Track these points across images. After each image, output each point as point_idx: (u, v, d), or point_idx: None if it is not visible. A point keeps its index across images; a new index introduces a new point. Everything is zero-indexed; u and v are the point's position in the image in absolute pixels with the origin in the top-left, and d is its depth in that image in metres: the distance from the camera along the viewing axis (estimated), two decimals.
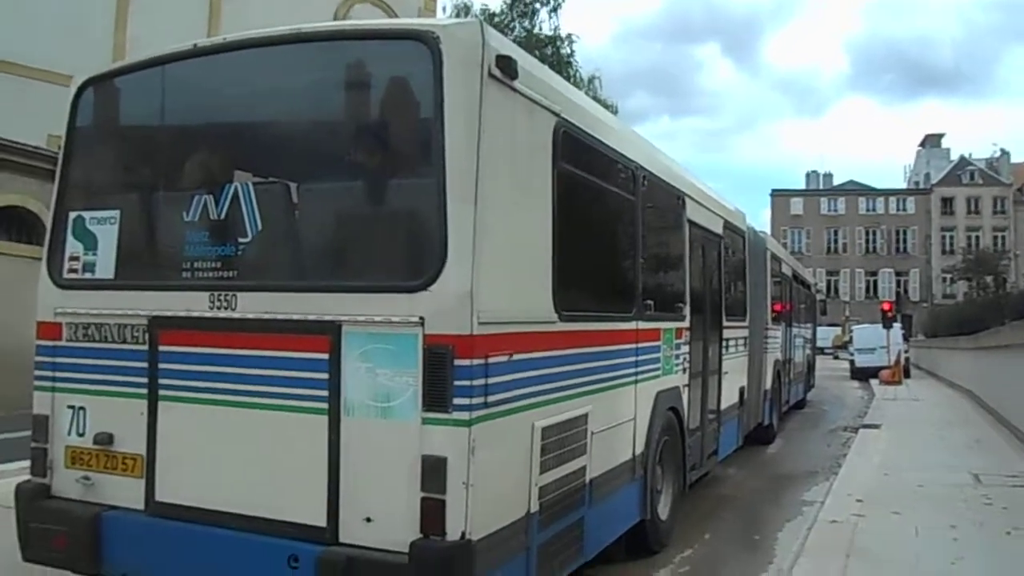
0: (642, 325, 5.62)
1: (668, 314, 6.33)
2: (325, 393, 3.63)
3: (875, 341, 27.89)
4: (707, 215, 7.82)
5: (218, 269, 3.95)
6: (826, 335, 44.58)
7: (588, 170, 4.79)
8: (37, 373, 4.41)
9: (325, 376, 3.63)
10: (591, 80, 49.37)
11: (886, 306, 27.69)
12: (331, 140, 4.11)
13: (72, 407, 4.28)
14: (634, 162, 5.59)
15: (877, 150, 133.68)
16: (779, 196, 73.45)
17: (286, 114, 4.20)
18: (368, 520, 3.54)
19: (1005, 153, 70.29)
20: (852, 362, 31.19)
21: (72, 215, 4.38)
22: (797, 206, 72.57)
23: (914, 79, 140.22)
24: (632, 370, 5.44)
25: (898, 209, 71.26)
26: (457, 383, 3.42)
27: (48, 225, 4.46)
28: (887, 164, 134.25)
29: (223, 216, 3.94)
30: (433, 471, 3.41)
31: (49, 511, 4.22)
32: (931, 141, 75.36)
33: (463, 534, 3.41)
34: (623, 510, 5.38)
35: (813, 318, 20.78)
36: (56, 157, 4.61)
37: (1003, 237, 66.49)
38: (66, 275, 4.37)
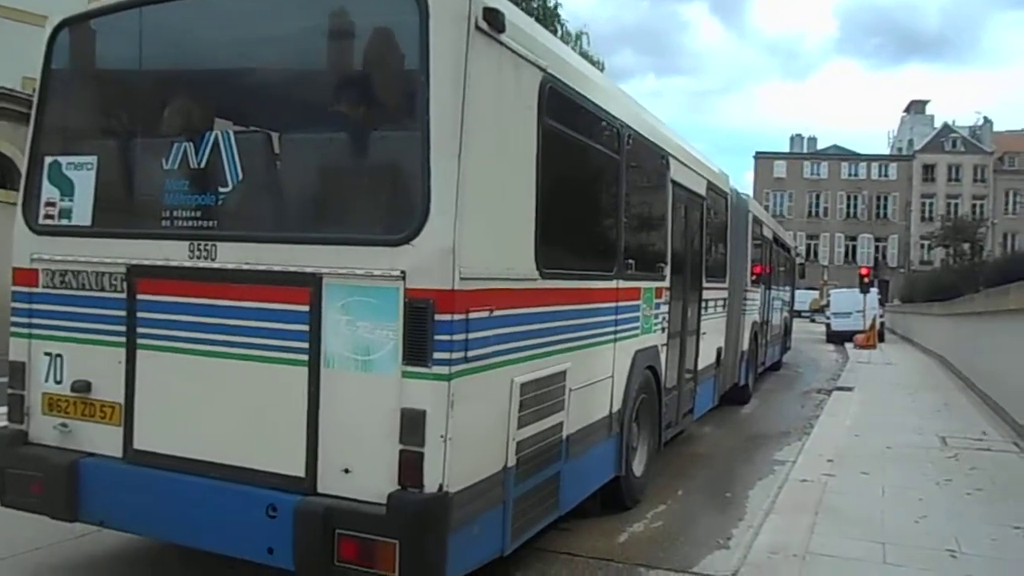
0: (622, 284, 5.64)
1: (648, 274, 6.36)
2: (305, 345, 3.62)
3: (852, 305, 28.34)
4: (691, 176, 7.82)
5: (198, 218, 3.90)
6: (804, 298, 45.12)
7: (573, 127, 4.76)
8: (13, 319, 4.36)
9: (305, 328, 3.62)
10: (578, 36, 48.64)
11: (864, 271, 28.04)
12: (314, 90, 4.05)
13: (49, 354, 4.26)
14: (619, 120, 5.56)
15: (862, 116, 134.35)
16: (763, 159, 73.68)
17: (269, 62, 4.12)
18: (346, 471, 3.57)
19: (988, 121, 71.02)
20: (828, 326, 31.66)
21: (48, 160, 4.29)
22: (780, 169, 72.93)
23: (900, 44, 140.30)
24: (611, 328, 5.48)
25: (880, 175, 71.87)
26: (437, 337, 3.43)
27: (23, 170, 4.38)
28: (871, 130, 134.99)
29: (203, 165, 3.89)
30: (412, 424, 3.43)
31: (26, 457, 4.22)
32: (916, 107, 75.83)
33: (440, 486, 3.45)
34: (599, 466, 5.46)
35: (792, 281, 20.96)
36: (31, 100, 4.50)
37: (982, 205, 67.33)
38: (42, 221, 4.30)
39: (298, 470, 3.65)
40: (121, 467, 4.04)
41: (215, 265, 3.83)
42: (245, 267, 3.76)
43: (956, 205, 66.47)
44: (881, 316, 29.42)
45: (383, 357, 3.49)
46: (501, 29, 3.71)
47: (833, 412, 11.11)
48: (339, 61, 4.01)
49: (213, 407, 3.87)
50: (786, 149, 75.51)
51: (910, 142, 72.47)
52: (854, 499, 6.32)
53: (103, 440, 4.10)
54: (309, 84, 4.08)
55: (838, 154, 73.38)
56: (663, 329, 6.77)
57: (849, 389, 13.79)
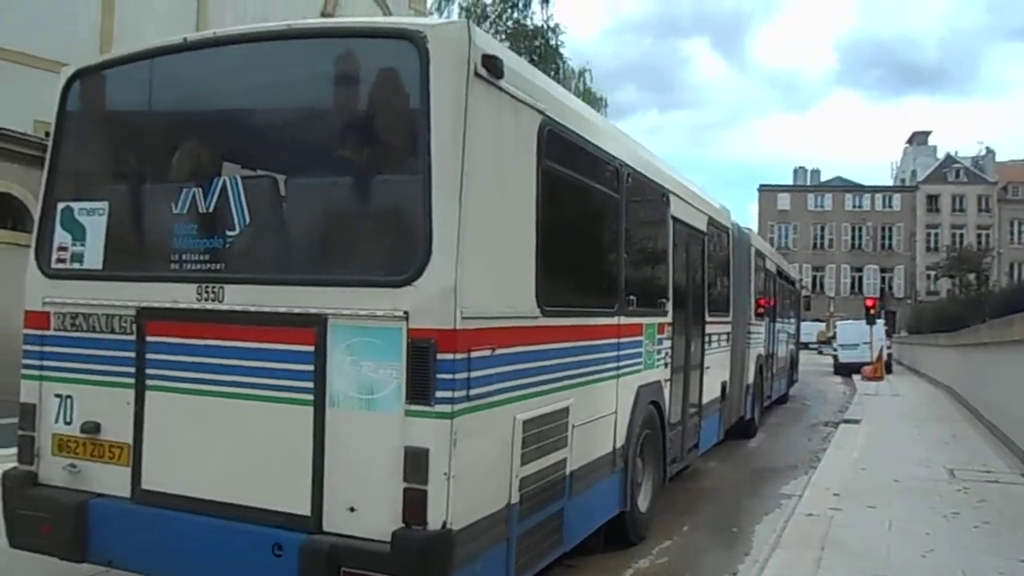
0: (624, 320, 5.71)
1: (650, 309, 6.43)
2: (311, 385, 3.69)
3: (858, 337, 28.26)
4: (691, 212, 7.93)
5: (206, 261, 4.00)
6: (811, 330, 45.09)
7: (572, 167, 4.87)
8: (25, 362, 4.45)
9: (311, 368, 3.69)
10: (581, 73, 49.18)
11: (869, 302, 27.93)
12: (319, 135, 4.16)
13: (59, 396, 4.33)
14: (618, 159, 5.68)
15: (864, 147, 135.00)
16: (766, 191, 74.05)
17: (275, 109, 4.26)
18: (351, 509, 3.62)
19: (990, 152, 71.32)
20: (835, 357, 31.54)
21: (60, 206, 4.41)
22: (784, 202, 73.21)
23: (901, 76, 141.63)
24: (614, 364, 5.53)
25: (884, 206, 72.06)
26: (440, 376, 3.49)
27: (36, 215, 4.49)
28: (874, 162, 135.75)
29: (211, 209, 3.99)
30: (415, 462, 3.48)
31: (36, 498, 4.27)
32: (918, 139, 76.15)
33: (444, 524, 3.49)
34: (603, 502, 5.48)
35: (797, 313, 20.98)
36: (42, 143, 4.64)
37: (987, 235, 67.39)
38: (54, 265, 4.41)
39: (304, 508, 3.69)
40: (129, 507, 4.09)
41: (223, 307, 3.92)
42: (252, 309, 3.84)
43: (961, 235, 66.60)
44: (888, 347, 29.52)
45: (387, 396, 3.56)
46: (500, 75, 3.83)
47: (840, 445, 11.11)
48: (343, 107, 4.13)
49: (220, 447, 3.93)
50: (790, 181, 75.84)
51: (913, 173, 72.73)
52: (860, 533, 6.31)
53: (112, 480, 4.15)
54: (314, 129, 4.20)
55: (842, 186, 73.64)
56: (666, 364, 6.82)
57: (856, 421, 13.78)
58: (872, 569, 5.38)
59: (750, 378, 11.80)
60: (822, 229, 72.25)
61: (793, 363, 19.23)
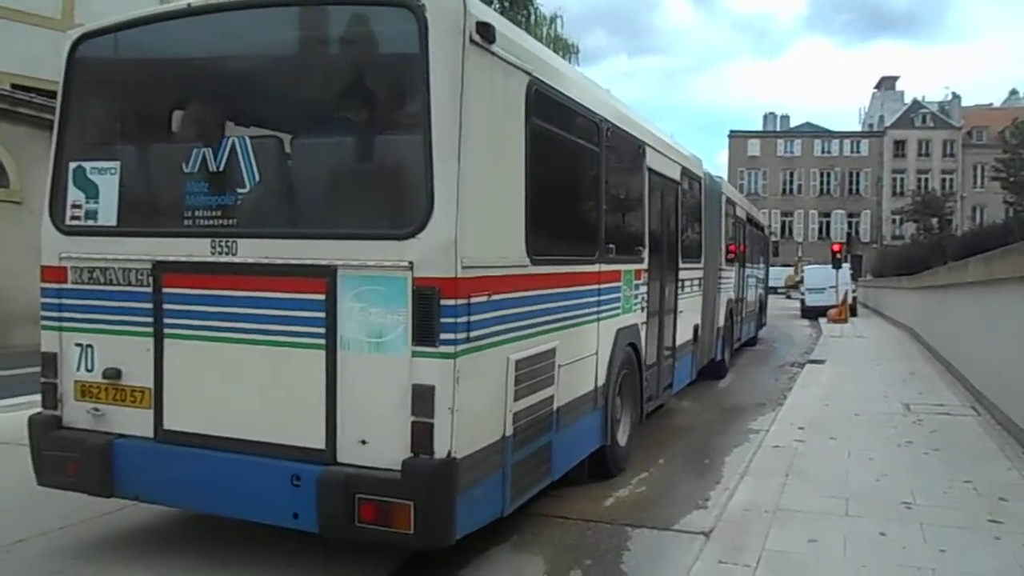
0: (604, 267, 6.09)
1: (628, 257, 6.81)
2: (323, 330, 4.03)
3: (825, 281, 28.86)
4: (665, 162, 8.28)
5: (219, 217, 4.28)
6: (779, 275, 45.75)
7: (557, 124, 5.18)
8: (44, 313, 4.72)
9: (322, 315, 4.02)
10: (552, 19, 48.50)
11: (836, 247, 28.62)
12: (324, 98, 4.44)
13: (80, 345, 4.62)
14: (598, 115, 5.99)
15: (833, 93, 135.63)
16: (736, 137, 74.53)
17: (280, 72, 4.51)
18: (363, 442, 3.99)
19: (956, 97, 72.28)
20: (803, 301, 32.26)
21: (72, 165, 4.64)
22: (754, 147, 73.83)
23: (869, 21, 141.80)
24: (595, 309, 5.92)
25: (852, 151, 72.97)
26: (443, 320, 3.85)
27: (49, 174, 4.72)
28: (843, 107, 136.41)
29: (222, 168, 4.26)
30: (422, 398, 3.85)
31: (62, 440, 4.60)
32: (886, 84, 76.82)
33: (449, 453, 3.88)
34: (586, 436, 5.91)
35: (766, 259, 21.56)
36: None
37: (951, 180, 68.57)
38: (69, 222, 4.66)
39: (319, 443, 4.06)
40: (153, 446, 4.43)
41: (236, 260, 4.22)
42: (265, 261, 4.15)
43: (926, 180, 67.81)
44: (853, 291, 30.07)
45: (394, 339, 3.91)
46: (492, 40, 4.11)
47: (805, 384, 11.61)
48: (347, 72, 4.39)
49: (238, 389, 4.26)
50: (760, 127, 76.44)
51: (881, 118, 73.58)
52: (822, 461, 6.78)
53: (134, 422, 4.48)
54: (319, 93, 4.47)
55: (811, 131, 74.36)
56: (643, 308, 7.23)
57: (821, 362, 14.32)
58: (831, 492, 5.82)
59: (721, 321, 12.33)
60: (791, 175, 73.14)
61: (762, 307, 19.83)
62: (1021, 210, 38.19)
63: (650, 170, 7.53)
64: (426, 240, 3.84)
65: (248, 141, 4.24)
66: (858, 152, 72.74)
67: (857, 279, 37.21)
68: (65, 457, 4.56)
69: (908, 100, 73.70)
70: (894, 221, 66.76)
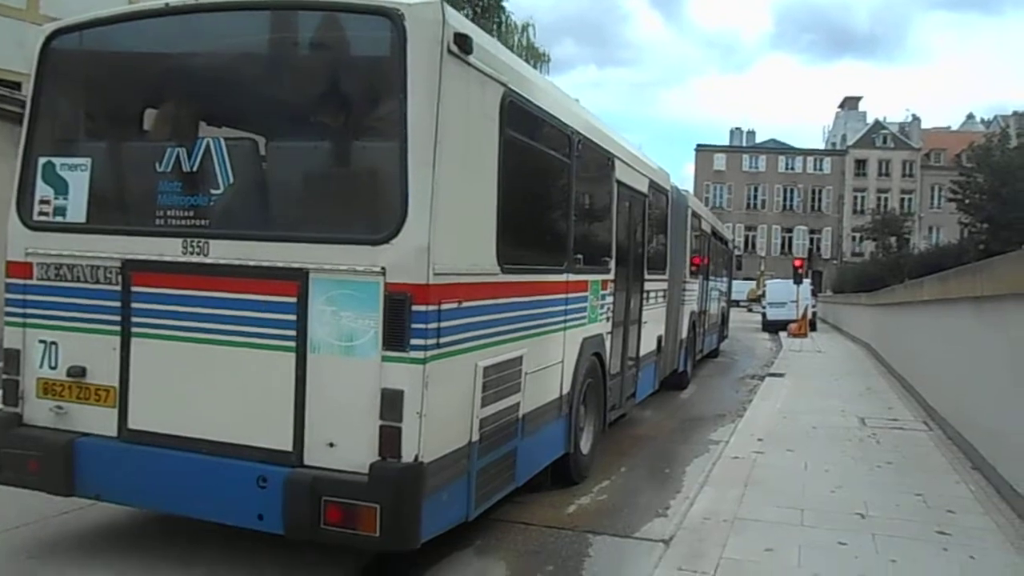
0: (572, 277, 6.18)
1: (595, 267, 6.92)
2: (293, 333, 4.06)
3: (786, 296, 29.32)
4: (634, 175, 8.42)
5: (191, 217, 4.29)
6: (742, 289, 46.33)
7: (529, 135, 5.28)
8: (8, 309, 4.68)
9: (293, 317, 4.06)
10: (524, 27, 48.75)
11: (797, 263, 29.12)
12: (301, 102, 4.48)
13: (44, 341, 4.59)
14: (570, 127, 6.09)
15: (798, 110, 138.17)
16: (703, 151, 75.37)
17: (257, 75, 4.54)
18: (331, 445, 4.02)
19: (916, 119, 73.79)
20: (764, 315, 32.77)
21: (42, 160, 4.62)
22: (720, 162, 74.76)
23: (833, 41, 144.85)
24: (562, 318, 6.01)
25: (815, 169, 74.30)
26: (414, 326, 3.90)
27: (17, 168, 4.68)
28: (807, 124, 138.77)
29: (195, 168, 4.27)
30: (391, 402, 3.90)
31: (22, 437, 4.55)
32: (849, 104, 78.34)
33: (416, 457, 3.93)
34: (550, 443, 5.99)
35: (729, 272, 21.90)
36: None
37: (910, 199, 70.11)
38: (36, 217, 4.62)
39: (286, 445, 4.08)
40: (116, 445, 4.41)
41: (208, 260, 4.23)
42: (236, 262, 4.17)
43: (886, 199, 69.16)
44: (813, 306, 30.54)
45: (364, 343, 3.95)
46: (469, 51, 4.19)
47: (765, 396, 11.83)
48: (324, 77, 4.44)
49: (205, 389, 4.27)
50: (727, 142, 77.40)
51: (843, 137, 74.94)
52: (779, 472, 6.94)
53: (98, 421, 4.46)
54: (296, 97, 4.51)
55: (776, 148, 75.56)
56: (608, 319, 7.34)
57: (781, 375, 14.58)
58: (787, 502, 5.97)
59: (684, 333, 12.51)
60: (755, 190, 74.16)
61: (724, 319, 20.14)
62: (975, 231, 39.24)
63: (619, 182, 7.66)
64: (399, 246, 3.89)
65: (223, 142, 4.26)
66: (821, 170, 74.10)
67: (817, 295, 37.75)
68: (25, 455, 4.52)
69: (870, 120, 75.24)
70: (854, 238, 67.87)
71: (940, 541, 5.22)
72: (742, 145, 76.42)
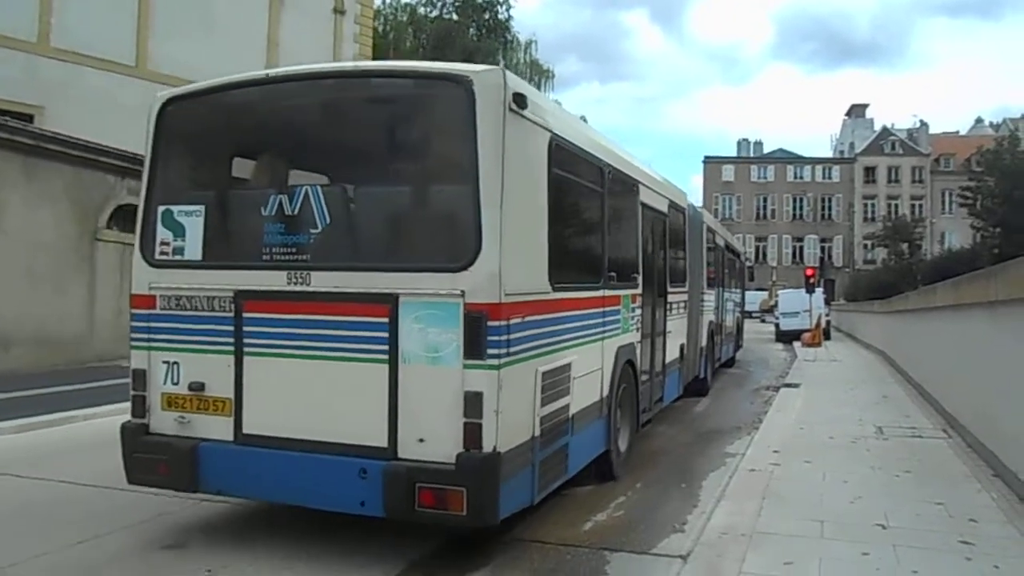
0: (607, 293, 7.05)
1: (626, 283, 7.80)
2: (386, 347, 4.92)
3: (799, 305, 29.58)
4: (655, 197, 9.33)
5: (294, 253, 5.18)
6: (754, 299, 46.27)
7: (570, 172, 6.17)
8: (133, 336, 5.58)
9: (386, 334, 4.92)
10: (528, 45, 50.04)
11: (809, 272, 29.62)
12: (388, 153, 5.41)
13: (167, 362, 5.48)
14: (602, 160, 6.99)
15: (805, 120, 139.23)
16: (711, 163, 76.49)
17: (347, 131, 5.47)
18: (421, 440, 4.87)
19: (924, 124, 74.81)
20: (777, 325, 33.10)
21: (161, 208, 5.53)
22: (728, 173, 75.87)
23: (835, 50, 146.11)
24: (600, 329, 6.87)
25: (824, 177, 75.21)
26: (490, 338, 4.76)
27: (139, 216, 5.59)
28: (815, 133, 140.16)
29: (296, 212, 5.17)
30: (473, 402, 4.75)
31: (151, 444, 5.43)
32: (856, 111, 79.32)
33: (494, 448, 4.77)
34: (594, 441, 6.83)
35: (742, 283, 22.75)
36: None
37: (920, 205, 70.97)
38: (158, 256, 5.53)
39: (382, 442, 4.93)
40: (234, 448, 5.27)
41: (310, 289, 5.11)
42: (335, 290, 5.04)
43: (896, 206, 70.03)
44: (827, 315, 30.93)
45: (448, 354, 4.81)
46: (525, 107, 5.08)
47: (780, 407, 11.95)
48: (406, 132, 5.38)
49: (310, 397, 5.13)
50: (734, 153, 78.59)
51: (851, 145, 75.98)
52: (797, 484, 6.99)
53: (216, 428, 5.33)
54: (382, 149, 5.44)
55: (784, 157, 76.64)
56: (637, 329, 8.21)
57: (796, 385, 14.78)
58: (806, 515, 6.04)
59: (703, 341, 13.40)
60: (764, 200, 75.21)
61: (739, 329, 20.96)
62: (988, 236, 39.43)
63: (643, 204, 8.56)
64: (475, 272, 4.76)
65: (320, 189, 5.16)
66: (830, 178, 75.07)
67: (830, 303, 38.00)
68: (155, 459, 5.39)
69: (878, 127, 76.28)
70: (866, 246, 68.65)
71: (963, 551, 5.21)
72: (750, 156, 77.62)
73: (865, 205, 73.34)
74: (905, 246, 48.77)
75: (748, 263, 28.03)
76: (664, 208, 9.90)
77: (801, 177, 75.44)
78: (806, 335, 26.45)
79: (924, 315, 12.76)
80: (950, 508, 6.24)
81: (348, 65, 5.28)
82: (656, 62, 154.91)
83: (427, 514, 4.80)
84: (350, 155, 5.57)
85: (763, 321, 44.15)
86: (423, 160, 5.22)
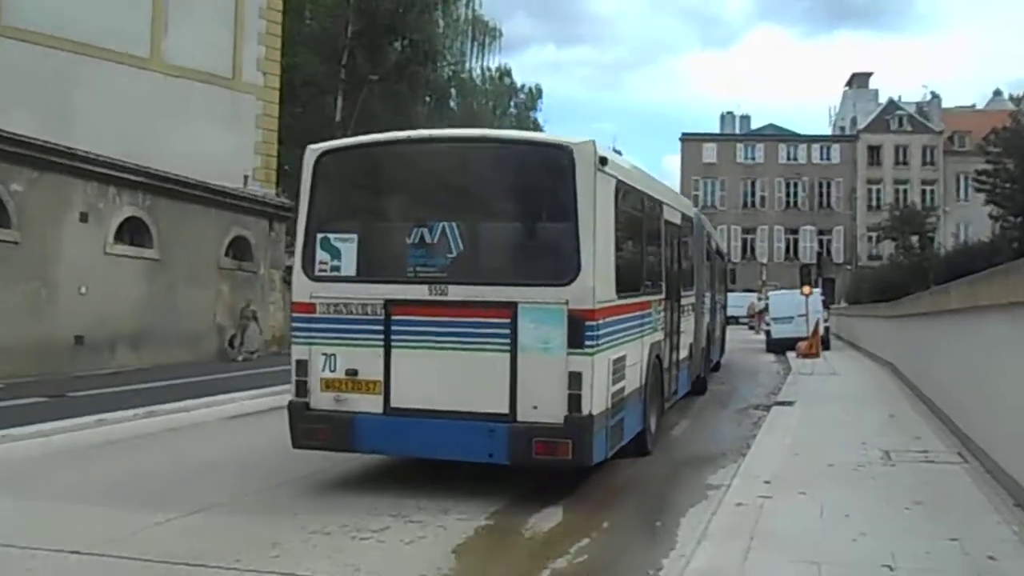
0: (643, 298, 10.97)
1: (654, 289, 11.84)
2: (508, 341, 8.58)
3: (793, 309, 30.53)
4: (673, 212, 13.55)
5: (434, 272, 8.87)
6: (740, 303, 47.87)
7: (625, 205, 10.03)
8: (295, 334, 9.28)
9: (508, 331, 8.59)
10: None
11: (806, 291, 29.42)
12: (507, 199, 9.31)
13: (325, 354, 9.06)
14: (643, 192, 11.04)
15: (799, 90, 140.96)
16: (689, 141, 78.86)
17: (477, 182, 9.36)
18: (535, 407, 8.53)
19: (936, 97, 77.98)
20: (768, 333, 34.16)
21: (319, 235, 9.18)
22: (710, 153, 78.36)
23: (830, 9, 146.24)
24: (640, 328, 10.74)
25: (822, 158, 77.91)
26: (586, 334, 8.48)
27: (299, 241, 9.20)
28: (811, 107, 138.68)
29: (435, 241, 8.87)
30: (575, 379, 8.43)
31: (313, 417, 9.03)
32: (858, 81, 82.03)
33: (589, 412, 8.47)
34: (636, 419, 10.57)
35: (725, 286, 27.11)
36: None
37: (932, 191, 73.71)
38: (317, 272, 9.17)
39: (504, 409, 8.59)
40: (383, 418, 8.90)
41: (447, 298, 8.78)
42: (468, 299, 8.72)
43: (905, 191, 72.71)
44: (825, 321, 32.40)
45: (556, 346, 8.50)
46: (605, 164, 8.89)
47: (771, 430, 12.89)
48: (522, 183, 9.26)
49: (447, 379, 8.78)
50: (716, 129, 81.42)
51: (853, 120, 78.76)
52: (791, 521, 7.40)
53: (368, 404, 8.93)
54: (503, 196, 9.34)
55: (775, 135, 79.43)
56: (662, 329, 12.25)
57: (790, 404, 15.88)
58: (801, 556, 6.29)
59: (703, 342, 17.77)
60: (753, 185, 77.86)
61: (723, 333, 25.16)
62: (1008, 226, 38.18)
63: (665, 221, 12.67)
64: (576, 286, 8.50)
65: (455, 224, 8.86)
66: (828, 159, 77.86)
67: (830, 307, 40.17)
68: (317, 428, 9.00)
69: (883, 100, 79.18)
70: (870, 239, 71.43)
71: None
72: (735, 133, 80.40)
73: (869, 191, 76.59)
74: (915, 239, 49.70)
75: (731, 263, 30.30)
76: (678, 220, 14.06)
77: (795, 158, 78.48)
78: (801, 344, 27.43)
79: (936, 319, 13.66)
80: (966, 544, 6.62)
81: (476, 132, 9.09)
82: (622, 22, 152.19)
83: (542, 460, 8.51)
84: (477, 199, 9.44)
85: (751, 328, 45.45)
86: (535, 204, 9.13)
